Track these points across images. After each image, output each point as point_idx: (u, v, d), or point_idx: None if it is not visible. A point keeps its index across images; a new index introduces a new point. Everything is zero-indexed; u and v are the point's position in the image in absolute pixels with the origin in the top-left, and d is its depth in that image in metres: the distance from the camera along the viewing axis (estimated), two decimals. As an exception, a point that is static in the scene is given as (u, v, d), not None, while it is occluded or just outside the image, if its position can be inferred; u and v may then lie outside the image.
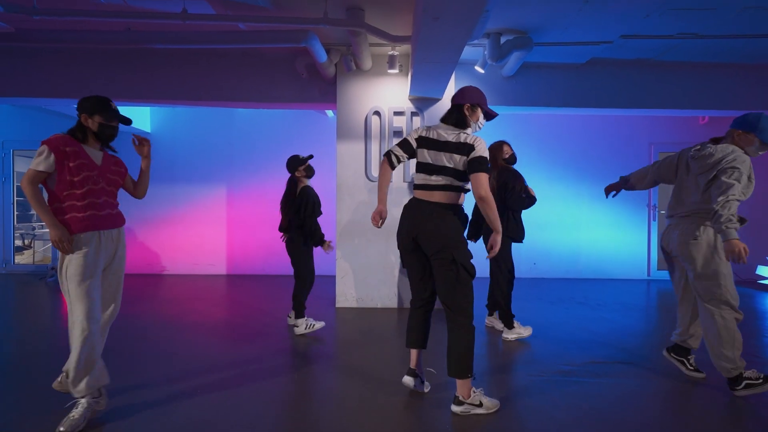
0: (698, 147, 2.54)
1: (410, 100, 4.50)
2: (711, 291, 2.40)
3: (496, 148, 3.55)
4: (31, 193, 2.02)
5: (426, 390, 2.48)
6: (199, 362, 2.92)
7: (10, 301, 4.85)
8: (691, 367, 2.70)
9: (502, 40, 4.00)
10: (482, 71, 4.38)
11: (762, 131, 2.35)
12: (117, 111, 2.20)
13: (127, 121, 2.27)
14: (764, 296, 5.38)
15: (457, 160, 2.23)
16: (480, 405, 2.23)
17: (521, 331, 3.47)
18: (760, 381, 2.39)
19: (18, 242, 6.85)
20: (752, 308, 4.73)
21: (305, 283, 3.61)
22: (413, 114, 4.51)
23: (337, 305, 4.52)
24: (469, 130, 2.32)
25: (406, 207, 2.35)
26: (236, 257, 6.58)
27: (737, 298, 2.39)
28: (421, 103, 4.50)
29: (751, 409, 2.31)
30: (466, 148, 2.21)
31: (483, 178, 2.15)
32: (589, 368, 2.87)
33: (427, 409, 2.30)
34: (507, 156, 3.52)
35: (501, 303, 3.49)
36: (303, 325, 3.58)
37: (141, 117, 6.37)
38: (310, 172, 3.63)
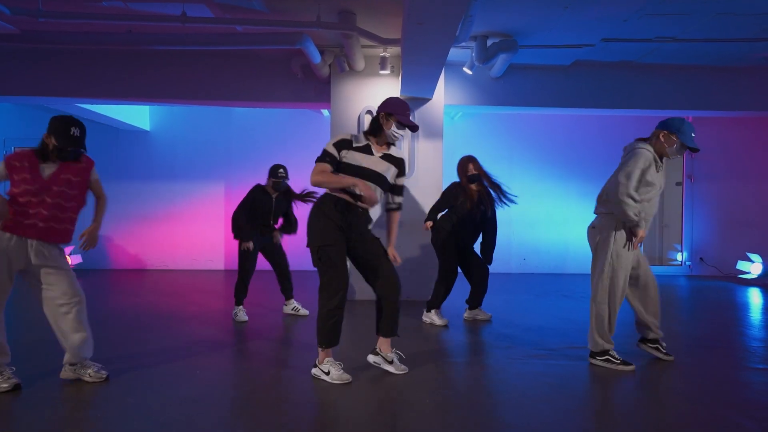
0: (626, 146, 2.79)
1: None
2: None
3: (463, 164, 3.74)
4: None
5: (397, 371, 2.60)
6: (191, 346, 3.09)
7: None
8: (663, 350, 2.86)
9: (489, 42, 4.17)
10: (470, 72, 4.55)
11: (683, 134, 2.61)
12: (73, 138, 2.29)
13: (80, 147, 2.35)
14: (744, 290, 5.59)
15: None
16: (328, 373, 2.42)
17: (435, 319, 3.75)
18: (619, 362, 2.69)
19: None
20: (732, 302, 4.93)
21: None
22: (404, 113, 4.68)
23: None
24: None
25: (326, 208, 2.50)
26: (233, 253, 6.74)
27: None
28: (412, 102, 4.66)
29: (710, 388, 2.49)
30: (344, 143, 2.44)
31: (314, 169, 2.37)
32: (564, 352, 3.04)
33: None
34: (470, 174, 3.71)
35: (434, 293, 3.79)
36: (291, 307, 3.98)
37: (140, 115, 6.52)
38: (277, 187, 3.81)
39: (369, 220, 2.52)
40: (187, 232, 6.75)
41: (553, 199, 6.76)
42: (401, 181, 2.55)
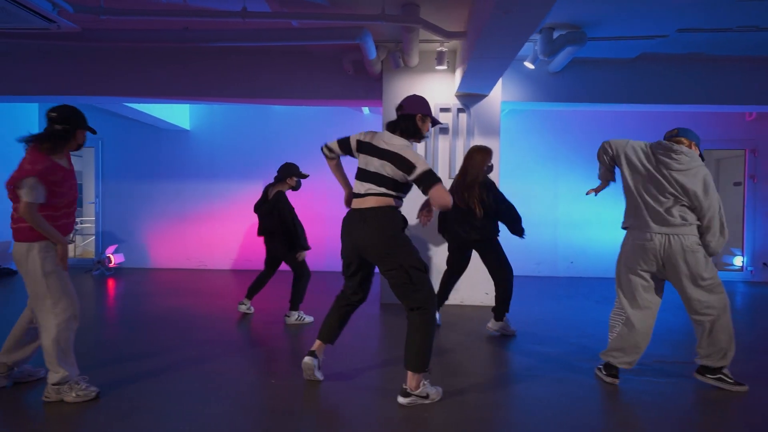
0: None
1: (456, 96, 4.49)
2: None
3: (487, 154, 3.38)
4: None
5: (321, 378, 2.52)
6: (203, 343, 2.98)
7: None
8: (730, 380, 2.51)
9: (555, 35, 3.95)
10: (532, 67, 4.34)
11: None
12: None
13: None
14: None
15: (392, 171, 2.23)
16: (426, 396, 2.25)
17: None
18: (731, 381, 2.49)
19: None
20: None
21: (303, 280, 3.74)
22: (459, 110, 4.50)
23: (382, 301, 4.55)
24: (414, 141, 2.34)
25: (345, 218, 2.35)
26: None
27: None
28: (468, 99, 4.48)
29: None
30: (405, 164, 2.19)
31: (436, 191, 2.16)
32: (655, 367, 2.83)
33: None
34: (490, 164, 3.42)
35: None
36: (294, 317, 3.76)
37: (180, 115, 6.50)
38: (298, 186, 3.79)
39: None
40: (226, 231, 6.71)
41: (601, 199, 6.44)
42: None
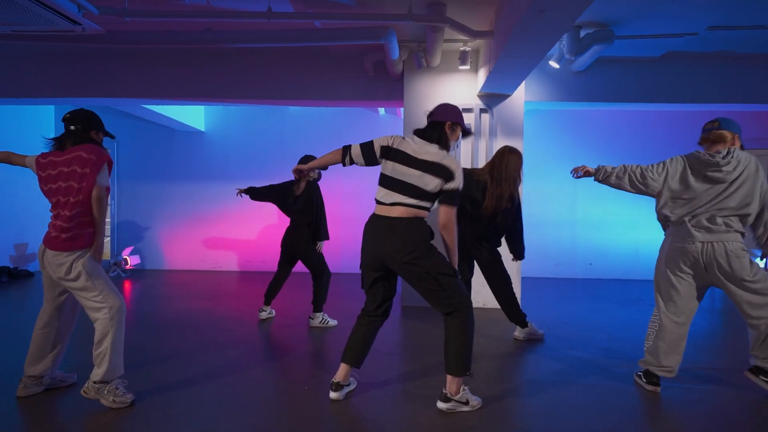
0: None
1: (479, 96, 4.43)
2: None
3: (519, 157, 3.18)
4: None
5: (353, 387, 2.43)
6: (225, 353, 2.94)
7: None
8: None
9: (582, 33, 3.89)
10: (557, 66, 4.27)
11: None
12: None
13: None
14: None
15: (429, 182, 2.16)
16: (466, 403, 2.21)
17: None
18: None
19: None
20: None
21: (324, 279, 3.68)
22: (482, 111, 4.44)
23: (403, 303, 4.50)
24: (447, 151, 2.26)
25: (367, 226, 2.26)
26: (288, 255, 6.64)
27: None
28: (490, 99, 4.42)
29: None
30: (445, 173, 2.15)
31: (450, 212, 2.19)
32: (696, 374, 2.76)
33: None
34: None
35: None
36: (318, 319, 3.70)
37: (195, 116, 6.48)
38: (319, 177, 3.77)
39: None
40: (240, 232, 6.69)
41: (621, 200, 6.38)
42: None
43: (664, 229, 2.62)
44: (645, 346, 2.56)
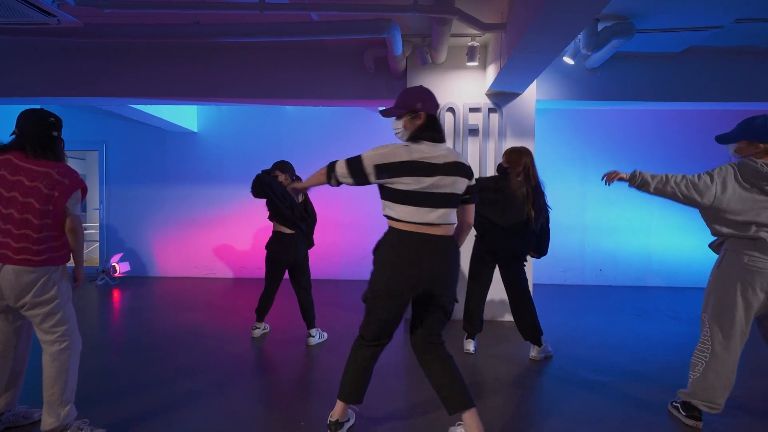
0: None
1: (487, 95, 4.16)
2: None
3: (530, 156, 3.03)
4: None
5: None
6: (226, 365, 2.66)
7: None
8: None
9: (600, 26, 3.61)
10: (572, 62, 4.00)
11: None
12: None
13: None
14: None
15: (461, 185, 1.93)
16: None
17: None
18: None
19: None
20: None
21: (310, 290, 3.44)
22: (490, 110, 4.16)
23: (407, 315, 4.23)
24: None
25: (401, 247, 1.85)
26: (285, 261, 6.35)
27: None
28: (499, 98, 4.15)
29: None
30: (468, 171, 1.95)
31: (474, 209, 2.07)
32: (733, 404, 2.48)
33: None
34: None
35: None
36: (317, 336, 3.45)
37: (188, 116, 6.20)
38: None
39: None
40: (235, 238, 6.41)
41: (632, 204, 6.12)
42: None
43: (715, 246, 2.30)
44: (690, 377, 2.26)
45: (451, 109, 4.18)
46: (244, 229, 6.40)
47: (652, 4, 3.35)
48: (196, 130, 6.42)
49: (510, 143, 4.15)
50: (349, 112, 6.30)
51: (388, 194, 1.88)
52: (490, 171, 4.15)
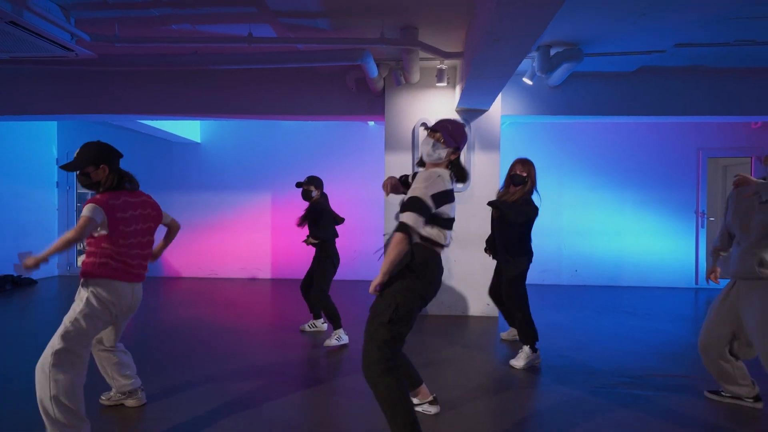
0: None
1: (457, 111, 4.60)
2: None
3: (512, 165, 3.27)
4: None
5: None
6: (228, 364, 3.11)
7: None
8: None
9: (552, 52, 4.04)
10: (530, 83, 4.42)
11: None
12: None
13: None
14: None
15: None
16: None
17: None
18: None
19: (80, 246, 7.33)
20: None
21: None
22: (460, 125, 4.60)
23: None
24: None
25: (438, 266, 2.01)
26: (280, 262, 6.83)
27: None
28: (468, 114, 4.58)
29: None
30: None
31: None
32: (648, 381, 2.89)
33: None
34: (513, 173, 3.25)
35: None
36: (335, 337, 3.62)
37: (191, 128, 6.72)
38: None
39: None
40: (236, 241, 6.90)
41: (606, 209, 6.50)
42: (408, 195, 1.97)
43: None
44: None
45: (424, 124, 4.58)
46: (244, 234, 6.89)
47: (598, 32, 3.77)
48: (199, 141, 6.94)
49: (478, 155, 4.59)
50: (340, 125, 6.78)
51: (438, 221, 1.94)
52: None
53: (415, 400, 2.37)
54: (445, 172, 1.98)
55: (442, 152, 2.00)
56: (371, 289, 1.90)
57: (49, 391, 1.93)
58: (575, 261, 6.55)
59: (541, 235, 6.50)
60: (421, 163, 2.12)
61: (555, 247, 6.57)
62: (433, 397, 2.42)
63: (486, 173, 4.62)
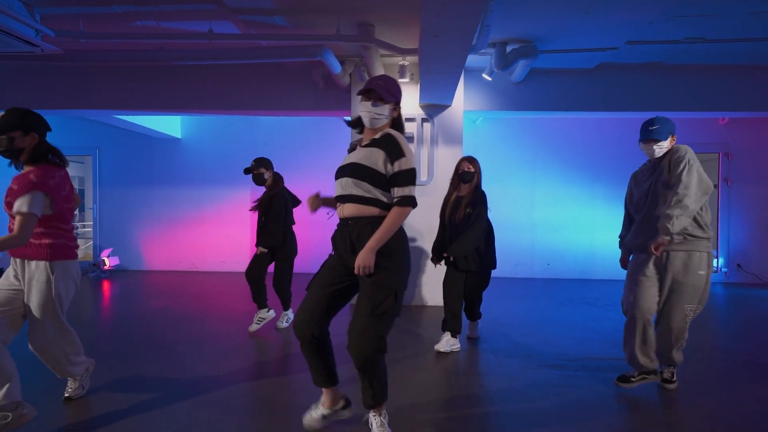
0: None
1: (421, 106, 4.71)
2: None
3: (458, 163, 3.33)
4: None
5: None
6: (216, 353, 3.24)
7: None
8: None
9: (508, 48, 4.15)
10: (489, 78, 4.54)
11: None
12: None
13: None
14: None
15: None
16: None
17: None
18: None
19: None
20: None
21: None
22: (423, 120, 4.72)
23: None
24: None
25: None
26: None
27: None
28: (431, 109, 4.70)
29: (724, 410, 2.41)
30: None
31: None
32: (583, 363, 3.01)
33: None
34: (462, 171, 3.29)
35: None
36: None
37: (172, 124, 6.83)
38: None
39: (353, 237, 1.87)
40: (216, 235, 7.02)
41: (578, 203, 6.62)
42: (397, 166, 1.83)
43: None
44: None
45: (359, 93, 4.73)
46: (223, 227, 7.01)
47: (549, 29, 3.89)
48: (180, 137, 7.06)
49: (442, 150, 4.71)
50: (318, 119, 6.89)
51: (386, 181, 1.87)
52: (424, 176, 4.69)
53: (323, 410, 2.01)
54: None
55: (385, 109, 1.88)
56: (359, 270, 1.79)
57: None
58: (548, 255, 6.67)
59: (514, 229, 6.65)
60: (355, 125, 1.98)
61: (528, 241, 6.69)
62: (345, 400, 2.05)
63: (449, 167, 4.72)
